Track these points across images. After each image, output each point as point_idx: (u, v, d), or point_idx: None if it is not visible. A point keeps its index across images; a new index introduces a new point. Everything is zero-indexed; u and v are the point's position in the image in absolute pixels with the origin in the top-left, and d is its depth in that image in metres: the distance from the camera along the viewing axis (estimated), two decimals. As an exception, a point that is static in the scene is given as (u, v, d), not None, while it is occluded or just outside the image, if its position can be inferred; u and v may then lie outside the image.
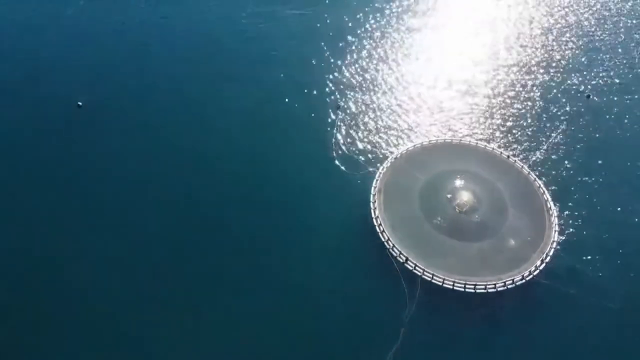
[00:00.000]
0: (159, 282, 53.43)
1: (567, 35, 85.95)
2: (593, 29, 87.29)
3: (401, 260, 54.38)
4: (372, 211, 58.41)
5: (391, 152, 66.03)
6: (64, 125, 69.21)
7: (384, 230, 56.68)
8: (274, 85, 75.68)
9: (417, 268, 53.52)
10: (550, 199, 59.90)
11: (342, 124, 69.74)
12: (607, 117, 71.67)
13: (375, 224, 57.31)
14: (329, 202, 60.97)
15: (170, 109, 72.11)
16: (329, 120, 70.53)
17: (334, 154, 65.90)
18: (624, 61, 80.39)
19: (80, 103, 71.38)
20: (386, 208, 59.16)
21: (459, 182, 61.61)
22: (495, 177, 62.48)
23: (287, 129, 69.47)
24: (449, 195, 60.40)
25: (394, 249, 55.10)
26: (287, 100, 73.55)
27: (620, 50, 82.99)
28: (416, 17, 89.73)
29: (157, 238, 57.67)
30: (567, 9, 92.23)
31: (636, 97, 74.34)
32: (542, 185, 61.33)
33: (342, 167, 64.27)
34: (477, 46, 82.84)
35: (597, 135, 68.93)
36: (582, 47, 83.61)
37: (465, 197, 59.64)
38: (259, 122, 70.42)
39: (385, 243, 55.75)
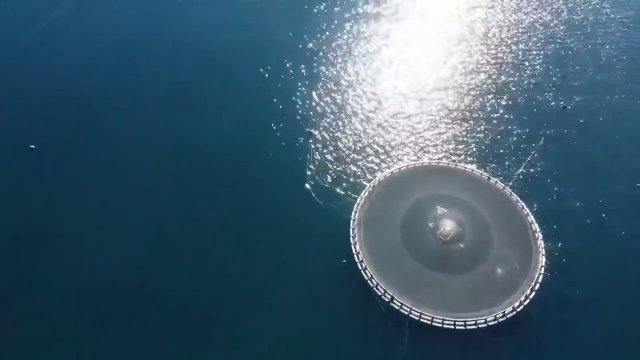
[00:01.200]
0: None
1: (536, 48, 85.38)
2: (563, 39, 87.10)
3: (386, 300, 52.10)
4: (353, 247, 56.04)
5: (368, 180, 63.90)
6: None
7: (366, 268, 54.35)
8: (241, 116, 72.82)
9: (403, 307, 51.29)
10: (534, 220, 58.65)
11: (314, 153, 67.24)
12: (584, 127, 70.91)
13: (356, 260, 54.96)
14: (305, 238, 58.38)
15: (135, 142, 68.72)
16: (301, 149, 67.99)
17: (308, 186, 63.42)
18: (595, 68, 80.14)
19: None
20: (367, 242, 56.88)
21: (440, 209, 59.76)
22: (477, 201, 60.91)
23: (256, 163, 66.70)
24: (430, 224, 58.48)
25: (378, 287, 52.81)
26: (254, 132, 70.74)
27: (589, 57, 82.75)
28: (384, 38, 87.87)
29: (125, 278, 54.52)
30: (534, 23, 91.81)
31: (609, 103, 73.93)
32: (525, 207, 60.01)
33: (318, 200, 61.71)
34: (448, 68, 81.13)
35: (576, 148, 68.09)
36: (553, 58, 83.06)
37: (448, 225, 57.80)
38: (225, 156, 67.62)
39: (369, 281, 53.43)
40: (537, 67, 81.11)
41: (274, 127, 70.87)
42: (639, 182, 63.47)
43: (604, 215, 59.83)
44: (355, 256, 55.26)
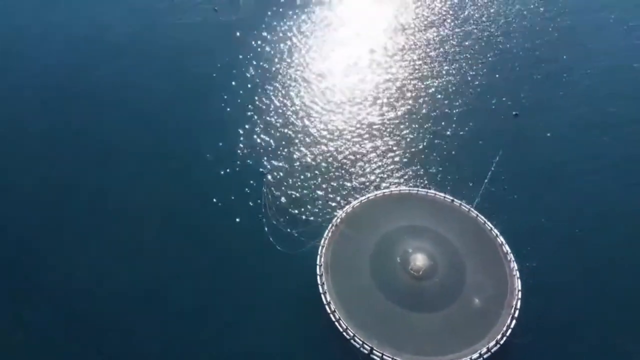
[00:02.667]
0: None
1: (479, 56, 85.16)
2: (503, 44, 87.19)
3: (365, 352, 49.42)
4: (323, 296, 53.09)
5: (329, 218, 61.08)
6: None
7: (340, 319, 51.50)
8: (192, 156, 68.71)
9: (384, 357, 48.77)
10: (503, 241, 57.61)
11: (269, 195, 63.83)
12: (539, 134, 70.93)
13: (329, 311, 52.04)
14: (270, 291, 55.00)
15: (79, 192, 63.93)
16: (255, 191, 64.38)
17: (267, 232, 59.90)
18: (542, 73, 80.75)
19: None
20: (337, 289, 54.10)
21: (408, 242, 57.77)
22: (444, 228, 59.37)
23: (210, 210, 62.74)
24: (398, 259, 56.38)
25: (355, 338, 50.06)
26: (202, 173, 66.77)
27: (535, 61, 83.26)
28: (333, 63, 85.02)
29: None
30: (474, 30, 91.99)
31: (561, 108, 74.43)
32: (493, 228, 58.94)
33: (279, 247, 58.37)
34: (395, 89, 79.10)
35: (535, 158, 67.91)
36: (498, 65, 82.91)
37: (418, 259, 55.87)
38: (173, 200, 63.63)
39: (345, 333, 50.60)
40: (482, 74, 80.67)
41: (222, 173, 66.79)
42: (597, 188, 63.72)
43: (573, 229, 59.42)
44: (327, 307, 52.33)
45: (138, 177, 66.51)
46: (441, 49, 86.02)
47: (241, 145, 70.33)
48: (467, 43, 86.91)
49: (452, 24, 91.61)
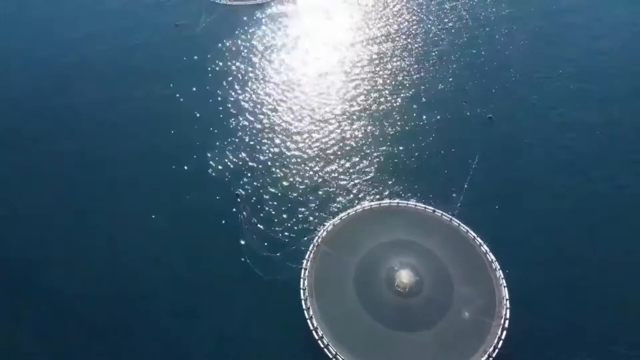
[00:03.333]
0: None
1: (451, 64, 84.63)
2: (475, 52, 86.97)
3: (357, 378, 48.23)
4: (309, 322, 51.69)
5: (309, 238, 59.57)
6: None
7: (328, 344, 50.22)
8: (159, 181, 66.35)
9: (378, 383, 47.71)
10: (487, 249, 57.23)
11: (246, 217, 61.96)
12: (514, 138, 70.96)
13: (316, 337, 50.67)
14: (253, 320, 53.31)
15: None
16: (230, 215, 62.45)
17: (246, 258, 58.08)
18: (508, 73, 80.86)
19: None
20: (323, 313, 52.82)
21: (392, 258, 56.83)
22: (427, 239, 58.67)
23: (184, 236, 60.62)
24: (383, 276, 55.40)
25: (346, 365, 48.84)
26: (172, 198, 64.56)
27: (506, 66, 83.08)
28: (301, 77, 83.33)
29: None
30: (439, 34, 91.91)
31: (535, 111, 74.65)
32: (476, 237, 58.51)
33: (259, 272, 56.62)
34: (367, 103, 77.75)
35: (511, 162, 67.89)
36: (467, 72, 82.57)
37: (404, 276, 54.90)
38: (144, 228, 61.66)
39: (334, 359, 49.29)
40: (452, 81, 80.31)
41: (194, 197, 64.63)
42: (575, 191, 63.99)
43: (555, 233, 59.33)
44: (314, 332, 50.93)
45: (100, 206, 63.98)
46: (409, 59, 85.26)
47: (212, 168, 68.26)
48: (434, 52, 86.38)
49: (419, 33, 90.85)
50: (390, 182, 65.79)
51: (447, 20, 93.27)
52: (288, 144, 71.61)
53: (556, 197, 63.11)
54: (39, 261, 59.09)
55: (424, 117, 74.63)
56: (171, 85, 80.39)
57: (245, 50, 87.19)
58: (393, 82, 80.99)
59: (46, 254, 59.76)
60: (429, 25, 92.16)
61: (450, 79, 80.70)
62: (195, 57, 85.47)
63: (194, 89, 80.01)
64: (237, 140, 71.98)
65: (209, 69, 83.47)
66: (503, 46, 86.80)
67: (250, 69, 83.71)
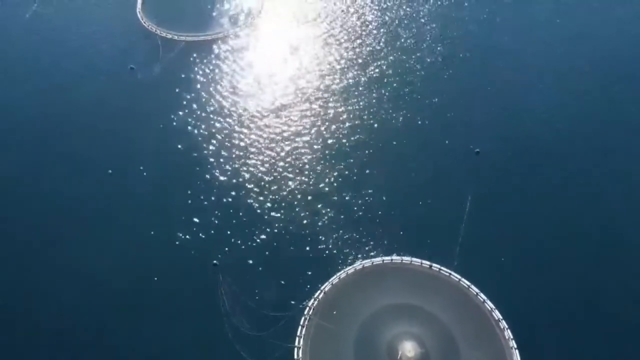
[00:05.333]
0: None
1: (426, 93, 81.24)
2: (452, 75, 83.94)
3: None
4: (308, 414, 47.43)
5: (300, 310, 55.29)
6: None
7: None
8: (122, 263, 60.66)
9: None
10: (493, 307, 54.20)
11: (226, 291, 57.15)
12: (507, 175, 68.26)
13: None
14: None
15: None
16: (209, 290, 57.50)
17: (231, 339, 53.27)
18: (498, 105, 78.32)
19: None
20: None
21: (392, 327, 53.22)
22: (428, 301, 55.39)
23: (159, 317, 55.46)
24: (385, 350, 51.72)
25: None
26: (143, 280, 59.12)
27: (488, 92, 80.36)
28: (271, 117, 78.46)
29: None
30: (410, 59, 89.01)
31: (522, 141, 72.19)
32: (479, 293, 55.47)
33: (247, 357, 51.92)
34: (341, 144, 73.33)
35: (508, 204, 64.98)
36: (445, 100, 79.31)
37: (407, 349, 51.26)
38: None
39: None
40: (429, 113, 76.89)
41: (166, 272, 59.49)
42: (576, 228, 61.68)
43: (563, 284, 56.66)
44: None
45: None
46: (378, 91, 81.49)
47: (181, 236, 62.74)
48: (409, 79, 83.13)
49: (391, 60, 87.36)
50: (378, 236, 61.84)
51: (419, 45, 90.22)
52: (262, 202, 66.59)
53: (561, 239, 60.49)
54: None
55: (405, 159, 70.89)
56: (127, 146, 74.40)
57: (206, 94, 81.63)
58: (363, 119, 77.02)
59: None
60: (403, 53, 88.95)
61: (428, 112, 77.25)
62: (152, 106, 79.59)
63: (152, 145, 73.79)
64: (206, 201, 66.56)
65: (167, 119, 77.28)
66: (487, 70, 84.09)
67: (214, 115, 78.21)
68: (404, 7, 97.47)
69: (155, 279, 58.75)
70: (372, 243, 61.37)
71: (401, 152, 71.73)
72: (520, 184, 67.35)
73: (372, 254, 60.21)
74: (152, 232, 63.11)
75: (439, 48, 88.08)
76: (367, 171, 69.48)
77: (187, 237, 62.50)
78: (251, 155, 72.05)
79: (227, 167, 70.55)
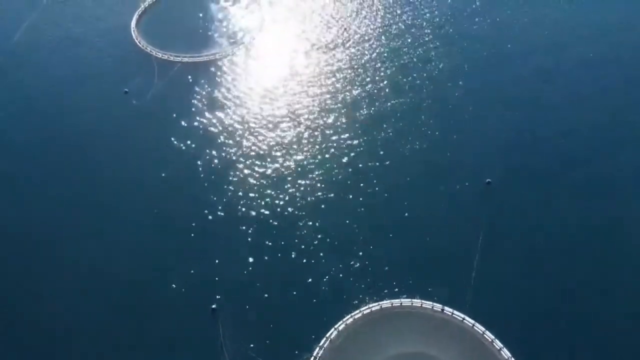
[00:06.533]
0: None
1: (432, 121, 78.70)
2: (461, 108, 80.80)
3: None
4: None
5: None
6: None
7: None
8: (118, 310, 58.10)
9: None
10: (509, 354, 51.68)
11: (228, 339, 54.58)
12: (519, 206, 65.75)
13: None
14: None
15: None
16: (209, 336, 54.96)
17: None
18: (510, 132, 75.87)
19: None
20: None
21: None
22: (441, 349, 52.69)
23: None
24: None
25: None
26: (139, 328, 56.60)
27: (500, 119, 77.88)
28: (268, 154, 75.28)
29: None
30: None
31: (537, 172, 69.79)
32: (494, 339, 52.90)
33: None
34: (344, 182, 70.28)
35: (520, 236, 62.54)
36: (453, 129, 76.84)
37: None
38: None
39: None
40: (436, 141, 74.54)
41: (164, 317, 57.00)
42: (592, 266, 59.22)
43: (582, 328, 54.15)
44: None
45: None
46: (388, 120, 79.27)
47: (178, 281, 60.01)
48: (404, 107, 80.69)
49: (391, 94, 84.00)
50: (386, 277, 59.27)
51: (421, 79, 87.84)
52: (264, 239, 64.09)
53: (576, 278, 58.12)
54: None
55: (414, 190, 68.48)
56: (123, 159, 72.53)
57: (204, 121, 79.20)
58: (369, 149, 74.59)
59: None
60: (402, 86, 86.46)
61: (434, 139, 74.89)
62: (146, 135, 77.11)
63: (142, 183, 71.08)
64: (204, 247, 63.53)
65: (163, 149, 74.88)
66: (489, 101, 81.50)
67: (211, 145, 75.47)
68: (412, 31, 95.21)
69: (150, 327, 56.17)
70: (379, 284, 58.81)
71: (410, 184, 69.32)
72: (534, 216, 64.87)
73: (380, 295, 57.55)
74: (144, 287, 60.18)
75: (446, 82, 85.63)
76: (373, 207, 67.08)
77: (185, 283, 59.60)
78: (251, 194, 69.56)
79: (226, 202, 68.39)
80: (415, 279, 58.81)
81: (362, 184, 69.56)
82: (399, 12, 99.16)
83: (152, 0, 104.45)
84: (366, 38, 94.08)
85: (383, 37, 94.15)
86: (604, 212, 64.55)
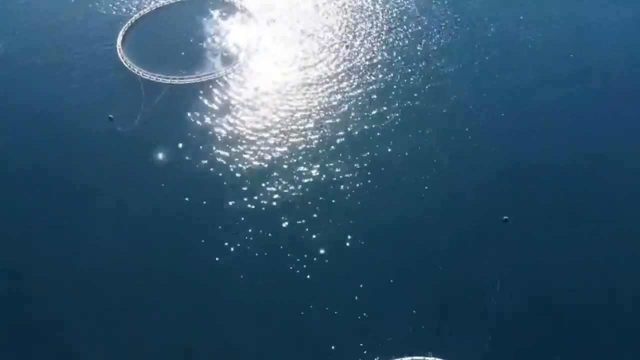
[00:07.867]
0: None
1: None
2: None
3: None
4: None
5: None
6: None
7: None
8: None
9: None
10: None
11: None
12: (540, 247, 61.28)
13: None
14: None
15: None
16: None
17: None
18: (524, 164, 71.43)
19: None
20: None
21: None
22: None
23: None
24: None
25: None
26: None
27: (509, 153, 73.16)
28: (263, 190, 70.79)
29: None
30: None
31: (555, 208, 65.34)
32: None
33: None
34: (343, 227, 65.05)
35: (543, 283, 58.13)
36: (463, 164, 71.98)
37: None
38: None
39: None
40: (443, 176, 69.81)
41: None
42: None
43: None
44: None
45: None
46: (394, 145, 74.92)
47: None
48: (408, 135, 76.40)
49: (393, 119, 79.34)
50: (396, 328, 54.80)
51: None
52: (256, 280, 59.91)
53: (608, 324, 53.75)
54: None
55: (429, 227, 64.04)
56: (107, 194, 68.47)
57: (193, 151, 74.27)
58: (375, 182, 70.16)
59: None
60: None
61: (442, 174, 70.32)
62: (132, 168, 72.41)
63: (125, 224, 66.48)
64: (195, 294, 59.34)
65: (151, 183, 70.10)
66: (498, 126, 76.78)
67: (202, 178, 70.74)
68: (415, 46, 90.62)
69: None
70: (389, 338, 54.18)
71: (423, 222, 64.84)
72: (552, 257, 60.55)
73: (389, 354, 52.82)
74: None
75: (452, 100, 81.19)
76: (382, 247, 62.66)
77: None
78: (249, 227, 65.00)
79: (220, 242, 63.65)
80: (426, 335, 54.32)
81: (368, 226, 65.14)
82: (413, 39, 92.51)
83: (140, 15, 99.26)
84: (374, 62, 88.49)
85: (394, 64, 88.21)
86: (630, 253, 60.24)
